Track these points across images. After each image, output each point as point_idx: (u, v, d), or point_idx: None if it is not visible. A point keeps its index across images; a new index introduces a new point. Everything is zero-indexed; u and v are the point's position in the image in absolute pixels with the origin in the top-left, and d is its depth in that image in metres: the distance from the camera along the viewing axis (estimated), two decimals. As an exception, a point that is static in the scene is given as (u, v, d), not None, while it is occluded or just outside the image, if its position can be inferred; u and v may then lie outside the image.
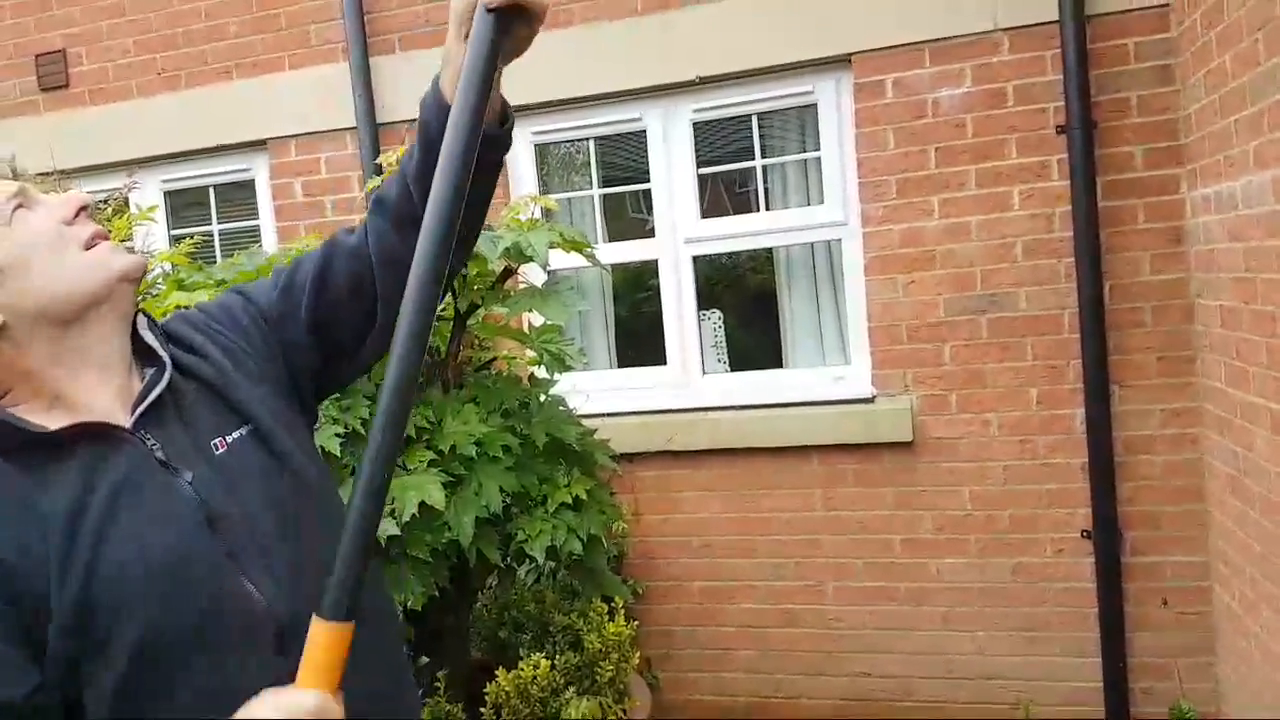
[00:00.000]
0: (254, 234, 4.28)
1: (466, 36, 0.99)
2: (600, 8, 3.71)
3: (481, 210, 1.18)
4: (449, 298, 2.57)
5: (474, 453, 2.25)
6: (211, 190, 4.34)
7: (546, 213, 3.08)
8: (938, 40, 3.41)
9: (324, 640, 0.89)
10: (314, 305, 1.17)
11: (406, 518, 2.11)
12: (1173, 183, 3.23)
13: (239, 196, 4.33)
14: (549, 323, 2.68)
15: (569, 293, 2.62)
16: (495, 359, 2.94)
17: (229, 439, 1.07)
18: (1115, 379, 3.29)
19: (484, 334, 2.93)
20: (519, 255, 2.53)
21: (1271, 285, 2.56)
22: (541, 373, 2.83)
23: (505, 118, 1.13)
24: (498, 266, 2.64)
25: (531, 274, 3.42)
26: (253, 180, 4.25)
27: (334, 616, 0.89)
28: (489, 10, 0.96)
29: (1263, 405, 2.66)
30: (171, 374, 1.08)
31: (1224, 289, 2.93)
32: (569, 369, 2.79)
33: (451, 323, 2.65)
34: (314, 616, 0.90)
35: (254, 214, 4.27)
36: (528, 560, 2.52)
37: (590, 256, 2.78)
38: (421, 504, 2.11)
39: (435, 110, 1.09)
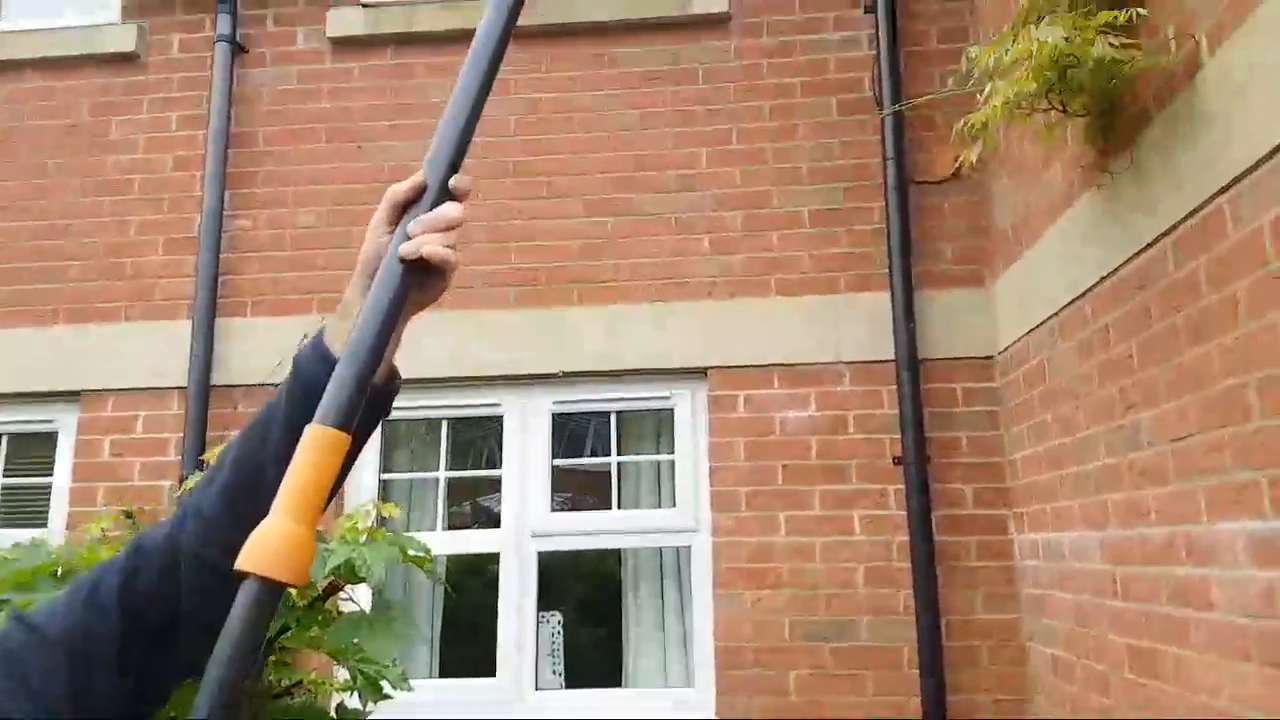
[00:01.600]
0: (43, 492, 3.79)
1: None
2: (474, 298, 3.73)
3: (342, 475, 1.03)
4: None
5: (255, 831, 1.87)
6: (4, 439, 3.87)
7: (383, 519, 2.86)
8: (786, 365, 3.60)
9: None
10: (123, 609, 0.97)
11: None
12: (1001, 524, 3.39)
13: (33, 449, 3.87)
14: (371, 645, 2.38)
15: (403, 620, 2.36)
16: (300, 682, 2.58)
17: None
18: (956, 721, 3.24)
19: (292, 644, 2.58)
20: (350, 574, 2.29)
21: (1104, 644, 2.62)
22: (353, 701, 2.48)
23: (393, 376, 1.03)
24: (322, 584, 2.36)
25: (359, 590, 3.12)
26: (55, 433, 3.83)
27: None
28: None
29: (1101, 771, 2.63)
30: None
31: (1055, 638, 2.99)
32: (387, 698, 2.46)
33: (255, 646, 2.31)
34: None
35: (48, 470, 3.81)
36: None
37: (431, 574, 2.55)
38: None
39: (318, 364, 0.96)
